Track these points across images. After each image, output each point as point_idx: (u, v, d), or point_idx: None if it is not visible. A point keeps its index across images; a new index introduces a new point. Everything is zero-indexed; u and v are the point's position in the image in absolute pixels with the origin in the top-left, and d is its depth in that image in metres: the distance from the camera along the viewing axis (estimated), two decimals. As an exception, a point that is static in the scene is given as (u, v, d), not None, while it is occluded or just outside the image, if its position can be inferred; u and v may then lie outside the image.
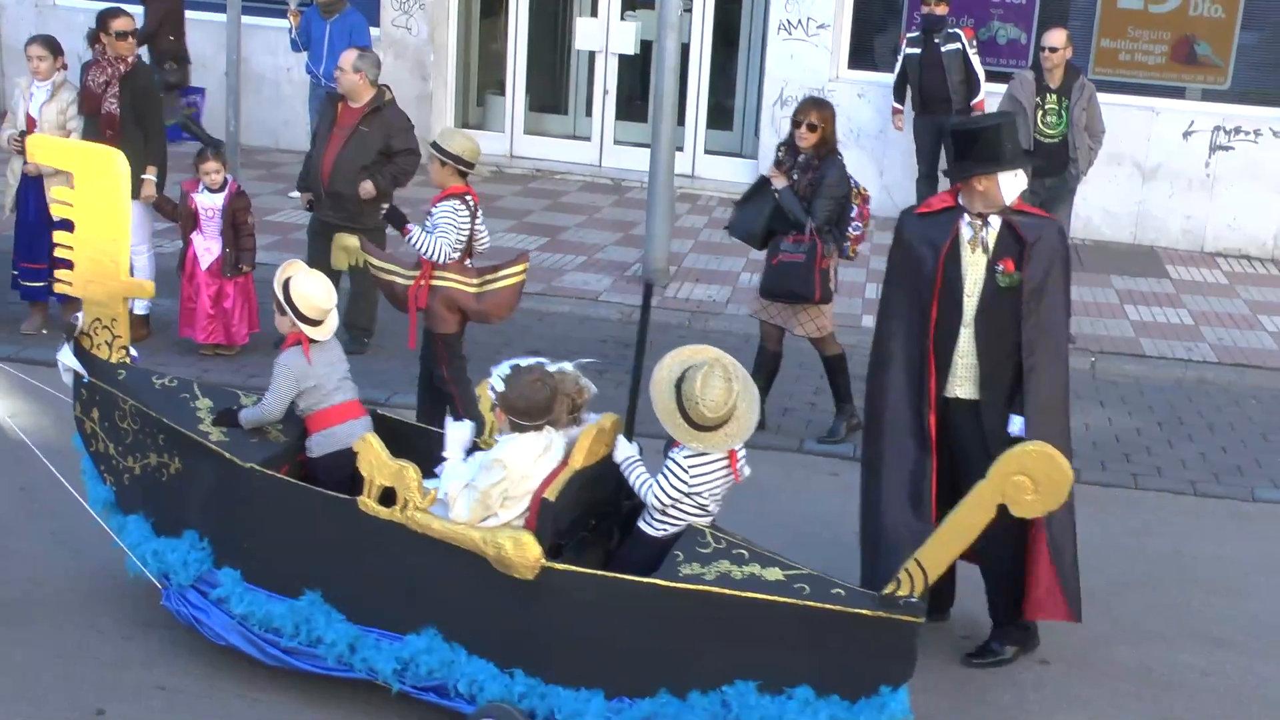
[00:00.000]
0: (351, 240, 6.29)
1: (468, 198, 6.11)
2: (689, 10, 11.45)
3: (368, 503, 4.40)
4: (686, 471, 4.45)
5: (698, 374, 4.38)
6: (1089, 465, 6.95)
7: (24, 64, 7.92)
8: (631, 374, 4.72)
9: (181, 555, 4.75)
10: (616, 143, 12.41)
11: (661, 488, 4.44)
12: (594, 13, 12.19)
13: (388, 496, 4.40)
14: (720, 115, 12.40)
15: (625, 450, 4.57)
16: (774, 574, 4.26)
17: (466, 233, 6.07)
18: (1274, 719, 4.99)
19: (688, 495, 4.46)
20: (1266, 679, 5.22)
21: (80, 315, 5.14)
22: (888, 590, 4.16)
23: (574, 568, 4.30)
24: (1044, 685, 5.08)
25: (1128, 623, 5.55)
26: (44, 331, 7.83)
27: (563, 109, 12.96)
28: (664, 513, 4.49)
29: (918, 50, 10.54)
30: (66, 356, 5.04)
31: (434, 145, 6.14)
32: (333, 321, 4.93)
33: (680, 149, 10.85)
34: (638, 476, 4.52)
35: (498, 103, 12.77)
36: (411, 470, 4.35)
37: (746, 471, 4.63)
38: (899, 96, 10.87)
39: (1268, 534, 6.49)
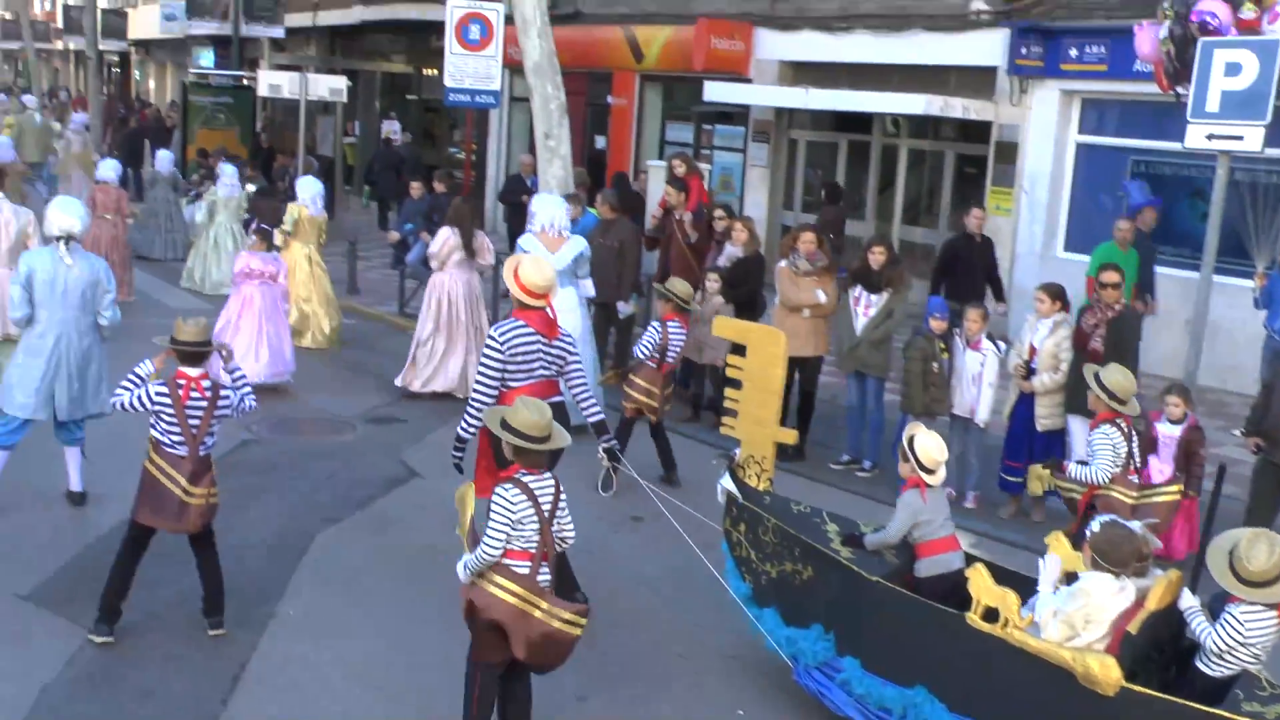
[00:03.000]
0: (1044, 472, 7.72)
1: (1119, 422, 7.29)
2: None
3: (974, 619, 5.56)
4: (1242, 624, 5.35)
5: (1245, 540, 5.33)
6: None
7: (1030, 303, 9.44)
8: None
9: (811, 643, 6.07)
10: None
11: (1220, 636, 5.38)
12: None
13: (989, 615, 5.54)
14: None
15: (1188, 600, 5.57)
16: (1325, 721, 5.07)
17: (1123, 451, 7.24)
18: None
19: (1242, 645, 5.36)
20: None
21: (738, 451, 6.67)
22: None
23: (1152, 692, 5.24)
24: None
25: None
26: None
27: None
28: (1220, 657, 5.41)
29: None
30: (726, 482, 6.58)
31: (1095, 376, 7.33)
32: (943, 472, 6.20)
33: None
34: (1199, 624, 5.48)
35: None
36: (1012, 596, 5.50)
37: None
38: None
39: None
